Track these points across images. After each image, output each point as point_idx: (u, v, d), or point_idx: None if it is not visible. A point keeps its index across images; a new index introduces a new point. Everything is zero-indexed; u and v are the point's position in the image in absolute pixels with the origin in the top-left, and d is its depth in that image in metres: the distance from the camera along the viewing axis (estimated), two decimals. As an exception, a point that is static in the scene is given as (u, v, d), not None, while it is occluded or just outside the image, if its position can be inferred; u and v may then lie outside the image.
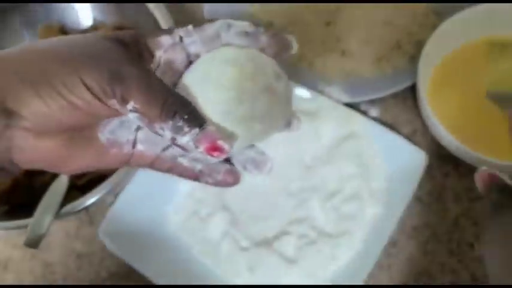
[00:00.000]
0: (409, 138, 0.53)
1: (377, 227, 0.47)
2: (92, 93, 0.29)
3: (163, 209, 0.52)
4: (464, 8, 0.52)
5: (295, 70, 0.56)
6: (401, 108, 0.55)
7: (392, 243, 0.49)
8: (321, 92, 0.54)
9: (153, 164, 0.34)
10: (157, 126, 0.30)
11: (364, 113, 0.55)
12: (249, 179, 0.51)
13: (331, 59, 0.56)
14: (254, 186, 0.51)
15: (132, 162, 0.34)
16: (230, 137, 0.31)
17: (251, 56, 0.32)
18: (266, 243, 0.49)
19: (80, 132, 0.32)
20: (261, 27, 0.34)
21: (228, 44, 0.33)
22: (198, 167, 0.34)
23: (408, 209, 0.50)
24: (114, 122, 0.32)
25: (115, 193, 0.52)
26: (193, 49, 0.34)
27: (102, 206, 0.55)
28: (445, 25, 0.51)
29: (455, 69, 0.51)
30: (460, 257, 0.47)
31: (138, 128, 0.33)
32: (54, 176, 0.50)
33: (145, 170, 0.52)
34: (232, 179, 0.35)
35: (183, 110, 0.30)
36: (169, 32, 0.34)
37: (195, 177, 0.34)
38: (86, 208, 0.51)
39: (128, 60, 0.30)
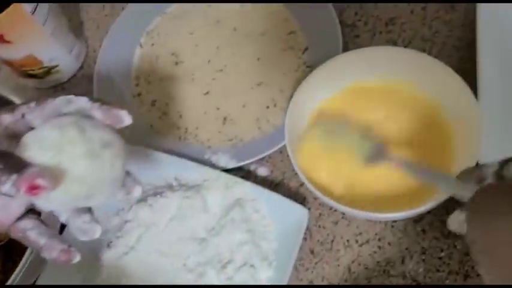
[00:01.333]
0: (297, 191, 0.55)
1: (271, 289, 0.48)
2: None
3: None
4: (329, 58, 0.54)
5: (182, 143, 0.58)
6: (288, 163, 0.56)
7: (292, 301, 0.50)
8: (208, 161, 0.56)
9: (9, 231, 0.38)
10: None
11: (253, 173, 0.56)
12: (151, 260, 0.53)
13: (214, 128, 0.58)
14: (155, 267, 0.52)
15: None
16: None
17: (80, 123, 0.36)
18: (171, 323, 0.49)
19: None
20: (97, 102, 0.37)
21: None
22: (42, 242, 0.38)
23: (303, 263, 0.51)
24: None
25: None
26: (36, 123, 0.37)
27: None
28: (308, 79, 0.53)
29: (324, 119, 0.53)
30: (355, 304, 0.48)
31: None
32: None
33: (50, 271, 0.53)
34: (65, 257, 0.38)
35: None
36: (10, 110, 0.37)
37: (39, 250, 0.38)
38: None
39: None
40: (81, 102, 0.37)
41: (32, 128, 0.37)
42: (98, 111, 0.37)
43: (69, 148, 0.34)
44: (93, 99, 0.38)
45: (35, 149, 0.34)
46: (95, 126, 0.36)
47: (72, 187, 0.34)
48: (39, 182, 0.32)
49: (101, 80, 0.63)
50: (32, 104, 0.37)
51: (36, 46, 0.60)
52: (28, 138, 0.35)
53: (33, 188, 0.32)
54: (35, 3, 0.57)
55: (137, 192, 0.40)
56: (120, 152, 0.37)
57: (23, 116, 0.37)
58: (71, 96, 0.38)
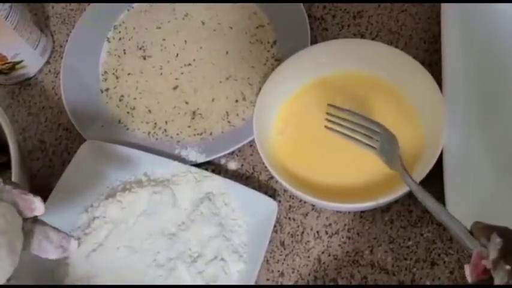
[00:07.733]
0: (267, 184, 0.55)
1: (242, 281, 0.48)
2: None
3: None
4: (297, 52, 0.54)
5: (151, 138, 0.57)
6: (258, 156, 0.56)
7: (263, 293, 0.50)
8: (178, 156, 0.55)
9: None
10: None
11: (223, 167, 0.56)
12: (120, 256, 0.52)
13: (183, 122, 0.57)
14: (125, 263, 0.51)
15: None
16: None
17: None
18: (141, 319, 0.49)
19: None
20: (8, 185, 0.36)
21: None
22: None
23: (273, 255, 0.51)
24: None
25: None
26: None
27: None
28: (277, 72, 0.53)
29: (292, 112, 0.54)
30: (325, 294, 0.49)
31: None
32: None
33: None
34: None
35: None
36: None
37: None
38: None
39: None
40: None
41: None
42: (8, 194, 0.36)
43: None
44: (5, 182, 0.36)
45: None
46: None
47: None
48: None
49: (68, 75, 0.62)
50: None
51: (-2, 41, 0.59)
52: None
53: None
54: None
55: (73, 246, 0.39)
56: (17, 234, 0.36)
57: None
58: None
